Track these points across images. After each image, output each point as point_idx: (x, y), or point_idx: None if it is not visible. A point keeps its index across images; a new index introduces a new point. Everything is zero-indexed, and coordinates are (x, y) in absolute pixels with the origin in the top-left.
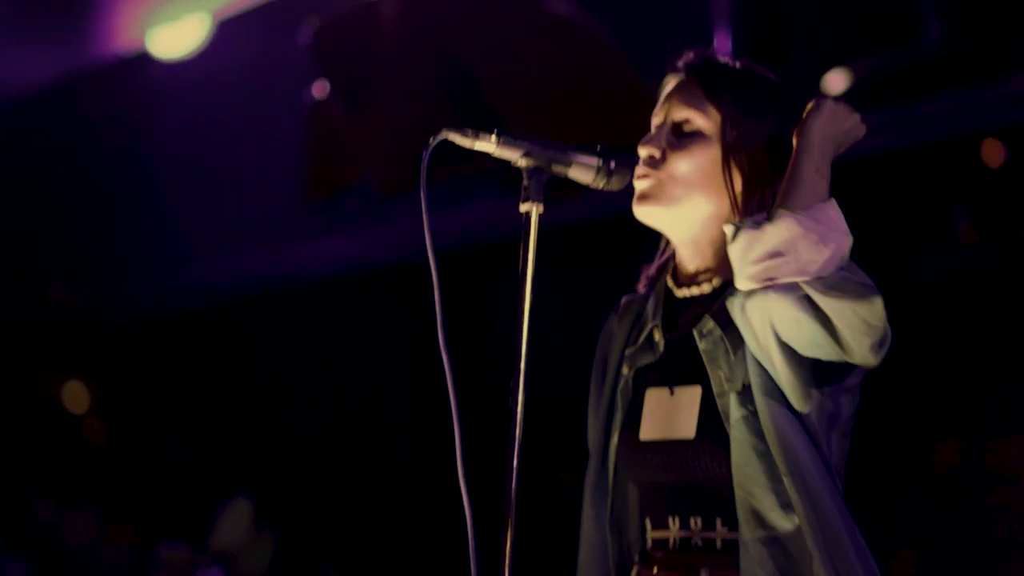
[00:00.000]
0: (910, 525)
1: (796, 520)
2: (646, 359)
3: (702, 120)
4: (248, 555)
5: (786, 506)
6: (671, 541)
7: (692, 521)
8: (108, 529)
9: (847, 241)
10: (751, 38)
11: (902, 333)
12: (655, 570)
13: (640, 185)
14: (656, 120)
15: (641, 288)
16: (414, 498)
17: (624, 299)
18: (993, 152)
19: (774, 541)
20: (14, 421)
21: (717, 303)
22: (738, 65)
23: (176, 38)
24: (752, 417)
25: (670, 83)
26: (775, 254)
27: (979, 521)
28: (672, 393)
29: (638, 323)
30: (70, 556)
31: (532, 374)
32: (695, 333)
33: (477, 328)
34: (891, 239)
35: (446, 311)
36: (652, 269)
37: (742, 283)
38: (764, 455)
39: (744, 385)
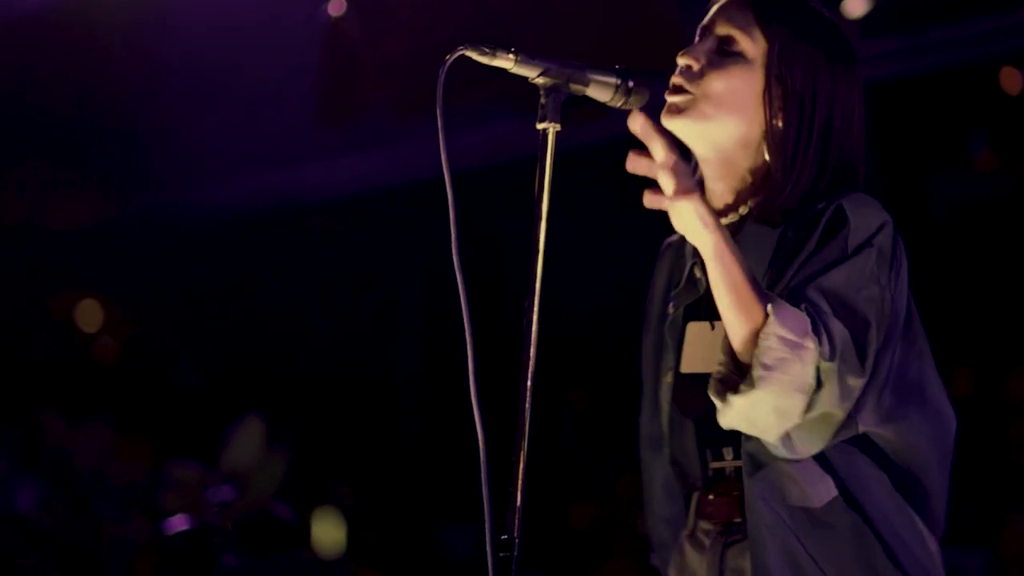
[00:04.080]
0: None
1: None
2: (691, 296)
3: (747, 43)
4: (259, 474)
5: None
6: (728, 471)
7: (728, 451)
8: (120, 448)
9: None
10: None
11: (917, 262)
12: (711, 497)
13: (672, 98)
14: (699, 30)
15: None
16: (426, 419)
17: (667, 241)
18: (1012, 79)
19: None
20: (26, 339)
21: (739, 234)
22: None
23: None
24: None
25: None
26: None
27: (993, 450)
28: (713, 328)
29: (679, 262)
30: (82, 474)
31: (546, 297)
32: None
33: (493, 249)
34: (908, 166)
35: (462, 232)
36: None
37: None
38: None
39: None
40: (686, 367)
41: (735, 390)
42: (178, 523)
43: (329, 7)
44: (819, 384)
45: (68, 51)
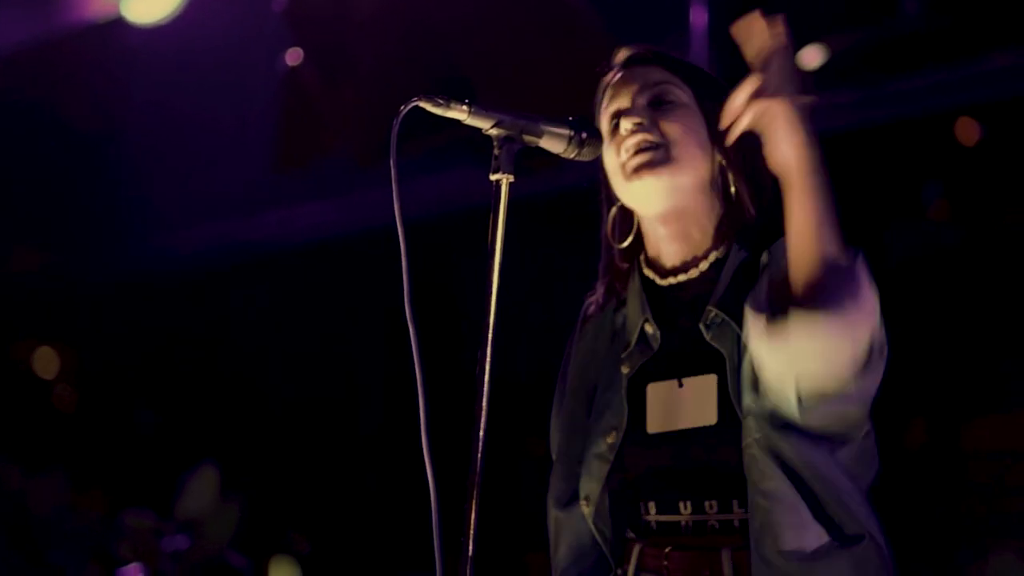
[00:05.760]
0: (879, 501)
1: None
2: (645, 356)
3: (677, 90)
4: (213, 523)
5: None
6: (683, 524)
7: (707, 505)
8: (75, 496)
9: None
10: (727, 11)
11: None
12: (667, 550)
13: (644, 156)
14: (619, 104)
15: (592, 308)
16: (382, 468)
17: (589, 303)
18: (968, 130)
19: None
20: None
21: (716, 289)
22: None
23: (151, 3)
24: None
25: (620, 73)
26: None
27: (950, 499)
28: (681, 385)
29: (608, 325)
30: (37, 523)
31: (501, 345)
32: (701, 327)
33: (447, 298)
34: (864, 217)
35: (416, 281)
36: (599, 293)
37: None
38: None
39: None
40: (653, 427)
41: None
42: (132, 572)
43: (286, 56)
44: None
45: (26, 100)
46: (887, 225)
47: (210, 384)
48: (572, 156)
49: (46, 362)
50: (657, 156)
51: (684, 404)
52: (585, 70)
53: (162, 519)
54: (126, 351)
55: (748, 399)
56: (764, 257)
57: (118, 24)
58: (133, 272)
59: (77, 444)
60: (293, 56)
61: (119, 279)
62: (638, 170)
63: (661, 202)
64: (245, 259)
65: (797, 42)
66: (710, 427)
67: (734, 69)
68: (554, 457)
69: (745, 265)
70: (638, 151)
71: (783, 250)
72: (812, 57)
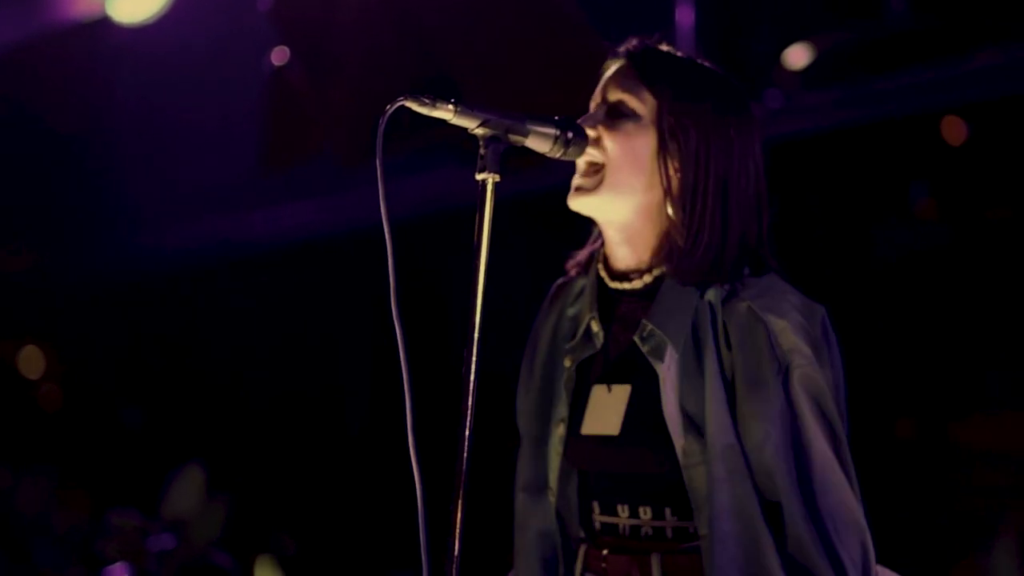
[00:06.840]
0: (867, 499)
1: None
2: (587, 351)
3: (636, 103)
4: (199, 523)
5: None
6: (621, 527)
7: (642, 511)
8: (61, 495)
9: None
10: (714, 10)
11: (861, 309)
12: (605, 552)
13: (577, 180)
14: (593, 104)
15: (572, 272)
16: (368, 468)
17: (557, 283)
18: (954, 129)
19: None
20: None
21: (654, 303)
22: (680, 55)
23: (137, 3)
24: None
25: (609, 68)
26: None
27: (937, 496)
28: (610, 391)
29: (572, 312)
30: (23, 522)
31: (487, 344)
32: (636, 340)
33: (434, 297)
34: (852, 215)
35: (403, 280)
36: (583, 255)
37: None
38: None
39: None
40: (587, 429)
41: None
42: (118, 572)
43: (272, 56)
44: None
45: (10, 99)
46: (875, 223)
47: (196, 383)
48: (558, 156)
49: (31, 361)
50: (589, 183)
51: (607, 410)
52: (570, 67)
53: (148, 518)
54: (111, 350)
55: (690, 440)
56: (718, 312)
57: (104, 24)
58: (118, 271)
59: (62, 443)
60: (279, 56)
61: (104, 278)
62: (572, 192)
63: (600, 218)
64: (231, 259)
65: (785, 41)
66: (613, 437)
67: (720, 68)
68: (521, 434)
69: (691, 292)
70: (586, 173)
71: (776, 312)
72: (798, 56)
